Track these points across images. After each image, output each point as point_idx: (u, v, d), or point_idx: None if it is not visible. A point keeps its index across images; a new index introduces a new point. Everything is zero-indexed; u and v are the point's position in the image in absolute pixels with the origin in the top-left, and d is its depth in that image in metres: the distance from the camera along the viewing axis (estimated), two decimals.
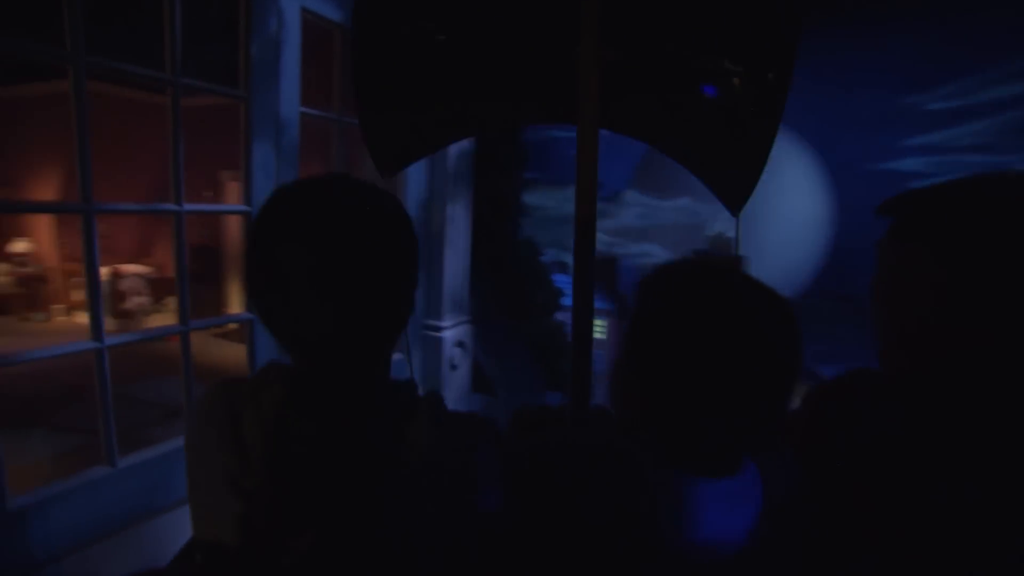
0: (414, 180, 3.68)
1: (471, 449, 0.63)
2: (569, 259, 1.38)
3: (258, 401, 0.59)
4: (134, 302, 5.75)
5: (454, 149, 3.69)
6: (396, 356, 0.89)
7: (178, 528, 2.14)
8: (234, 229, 5.96)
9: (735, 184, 1.81)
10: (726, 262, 1.17)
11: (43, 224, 6.72)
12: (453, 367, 3.95)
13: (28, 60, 4.55)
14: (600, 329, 6.77)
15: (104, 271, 4.62)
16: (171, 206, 2.21)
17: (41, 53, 2.06)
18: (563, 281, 5.10)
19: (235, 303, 5.97)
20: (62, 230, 6.57)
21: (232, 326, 5.06)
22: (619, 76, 1.49)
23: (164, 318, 5.55)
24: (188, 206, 2.26)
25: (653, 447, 0.63)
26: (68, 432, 2.96)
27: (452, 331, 3.92)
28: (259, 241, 0.60)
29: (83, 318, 2.27)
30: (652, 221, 8.04)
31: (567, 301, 4.81)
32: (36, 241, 6.63)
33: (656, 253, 7.94)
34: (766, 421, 0.62)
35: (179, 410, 2.84)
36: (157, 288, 5.97)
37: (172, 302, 4.10)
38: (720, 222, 6.35)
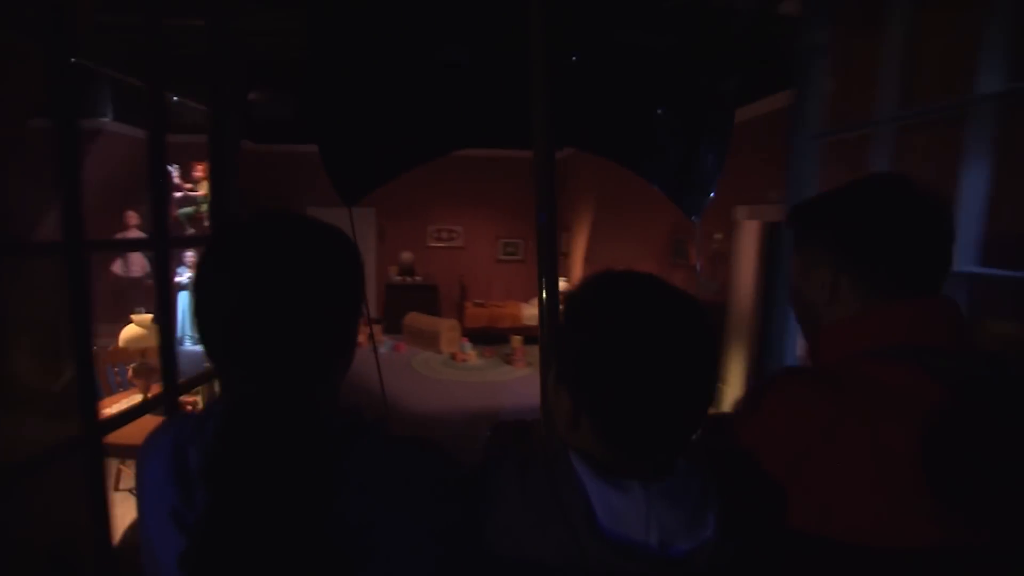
0: None
1: (415, 473, 0.64)
2: None
3: (202, 433, 0.61)
4: None
5: None
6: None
7: None
8: None
9: (692, 192, 1.90)
10: (640, 272, 0.83)
11: None
12: None
13: None
14: None
15: None
16: None
17: None
18: None
19: None
20: None
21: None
22: (574, 95, 1.49)
23: None
24: None
25: (587, 456, 0.64)
26: None
27: None
28: (202, 275, 0.62)
29: None
30: None
31: None
32: None
33: None
34: (691, 420, 0.65)
35: None
36: None
37: None
38: None
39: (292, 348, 0.61)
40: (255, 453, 0.57)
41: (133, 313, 5.36)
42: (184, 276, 7.51)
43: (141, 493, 0.66)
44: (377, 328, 8.17)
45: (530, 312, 8.23)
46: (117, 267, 7.71)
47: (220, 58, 1.85)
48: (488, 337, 8.20)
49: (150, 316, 3.26)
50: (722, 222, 5.91)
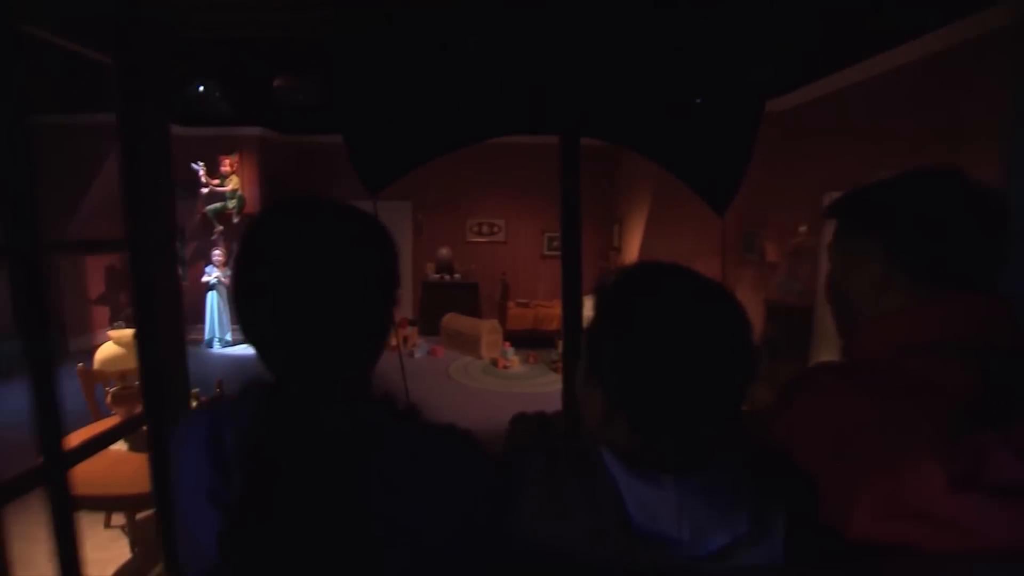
0: None
1: (445, 462, 0.65)
2: None
3: (237, 416, 0.63)
4: None
5: None
6: None
7: None
8: None
9: (719, 186, 1.84)
10: (673, 264, 0.76)
11: None
12: None
13: None
14: None
15: None
16: None
17: None
18: None
19: None
20: None
21: None
22: (600, 84, 1.47)
23: None
24: None
25: (620, 451, 0.64)
26: None
27: None
28: (238, 260, 0.64)
29: None
30: None
31: None
32: None
33: None
34: (725, 414, 0.63)
35: None
36: None
37: None
38: None
39: (330, 332, 0.62)
40: (291, 438, 0.59)
41: (111, 328, 4.96)
42: (213, 276, 7.13)
43: (177, 473, 0.67)
44: (413, 330, 7.61)
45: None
46: None
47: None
48: (532, 341, 7.50)
49: (131, 331, 2.72)
50: (807, 212, 5.03)
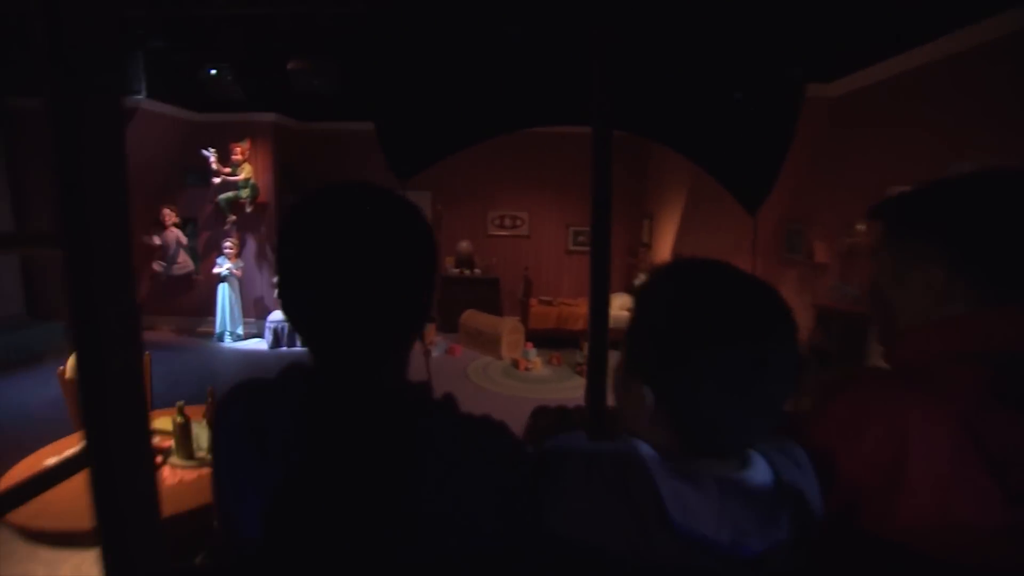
0: None
1: (483, 450, 0.65)
2: None
3: (280, 400, 0.64)
4: None
5: None
6: None
7: None
8: None
9: (752, 184, 1.79)
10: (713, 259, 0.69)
11: None
12: None
13: None
14: None
15: None
16: None
17: None
18: None
19: None
20: None
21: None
22: (634, 77, 1.47)
23: None
24: None
25: (662, 451, 0.64)
26: None
27: None
28: (280, 243, 0.65)
29: None
30: None
31: None
32: None
33: None
34: (770, 416, 0.62)
35: None
36: None
37: None
38: None
39: (374, 316, 0.62)
40: (339, 424, 0.60)
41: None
42: (224, 267, 6.88)
43: (217, 449, 0.69)
44: (430, 327, 7.28)
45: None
46: (158, 265, 7.21)
47: None
48: (556, 341, 7.12)
49: None
50: (864, 210, 4.54)
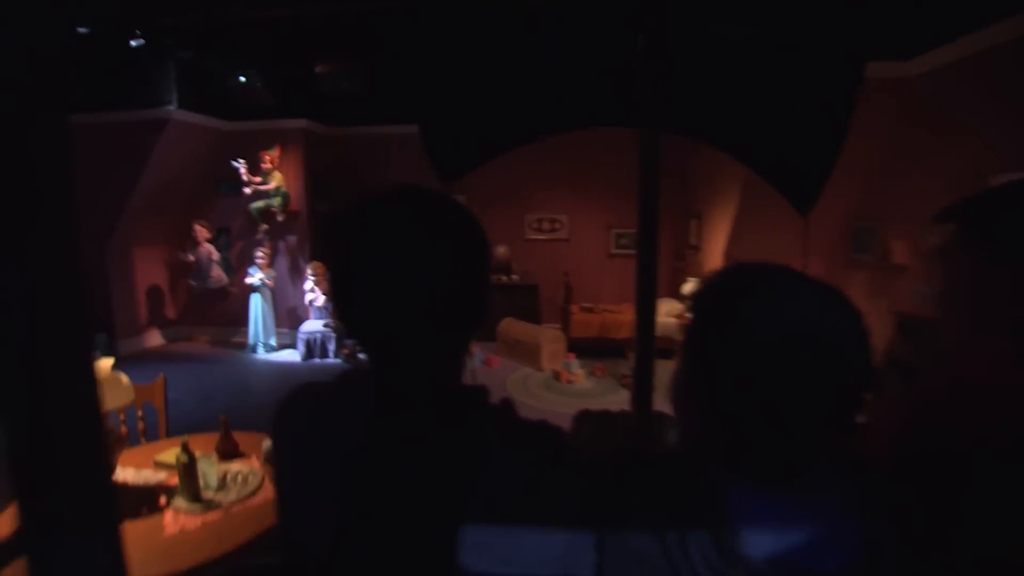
0: None
1: (544, 457, 0.65)
2: None
3: (343, 404, 0.64)
4: None
5: None
6: None
7: None
8: None
9: (803, 184, 1.69)
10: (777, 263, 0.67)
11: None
12: None
13: None
14: None
15: None
16: None
17: None
18: None
19: None
20: None
21: None
22: (681, 76, 1.39)
23: None
24: None
25: (720, 457, 0.63)
26: None
27: None
28: (335, 250, 0.65)
29: None
30: None
31: None
32: None
33: None
34: (840, 428, 0.60)
35: None
36: None
37: None
38: None
39: (434, 320, 0.63)
40: (407, 425, 0.60)
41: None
42: (256, 277, 6.74)
43: (280, 454, 0.70)
44: None
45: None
46: (191, 281, 7.15)
47: None
48: (599, 350, 6.70)
49: (110, 361, 2.15)
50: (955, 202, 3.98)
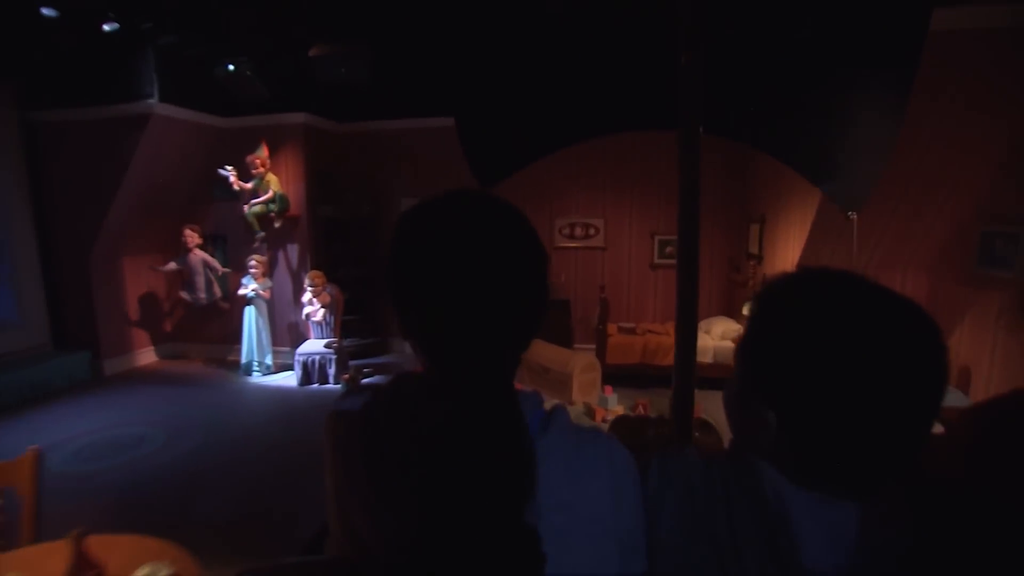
0: None
1: (601, 462, 0.66)
2: None
3: (400, 412, 0.62)
4: None
5: None
6: None
7: None
8: None
9: (852, 182, 1.63)
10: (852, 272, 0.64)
11: None
12: None
13: None
14: None
15: None
16: None
17: None
18: None
19: None
20: None
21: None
22: (722, 78, 1.39)
23: None
24: None
25: (781, 466, 0.62)
26: None
27: None
28: (395, 254, 0.66)
29: None
30: None
31: None
32: None
33: None
34: (908, 443, 0.59)
35: None
36: None
37: None
38: None
39: (500, 331, 0.64)
40: (470, 433, 0.58)
41: None
42: (250, 288, 5.97)
43: (335, 466, 0.68)
44: None
45: (705, 343, 5.51)
46: (184, 294, 6.46)
47: None
48: (641, 379, 5.66)
49: None
50: None
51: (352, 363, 6.33)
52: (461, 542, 0.56)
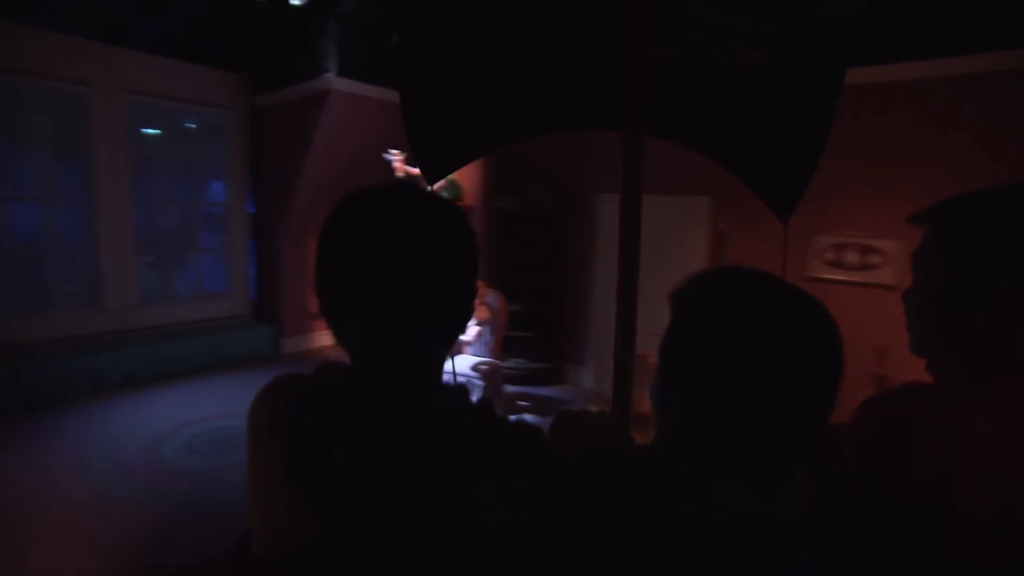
0: None
1: (520, 459, 0.67)
2: None
3: (320, 398, 0.64)
4: None
5: None
6: None
7: None
8: None
9: (784, 190, 1.70)
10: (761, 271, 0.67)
11: None
12: None
13: None
14: None
15: None
16: None
17: None
18: None
19: None
20: None
21: None
22: (665, 81, 1.44)
23: None
24: None
25: (697, 456, 0.64)
26: None
27: None
28: (320, 244, 0.66)
29: None
30: None
31: None
32: None
33: None
34: (811, 428, 0.62)
35: None
36: None
37: None
38: None
39: (410, 317, 0.64)
40: (381, 425, 0.60)
41: None
42: None
43: (253, 447, 0.69)
44: None
45: None
46: None
47: None
48: None
49: None
50: None
51: (509, 389, 5.23)
52: (373, 538, 0.57)
